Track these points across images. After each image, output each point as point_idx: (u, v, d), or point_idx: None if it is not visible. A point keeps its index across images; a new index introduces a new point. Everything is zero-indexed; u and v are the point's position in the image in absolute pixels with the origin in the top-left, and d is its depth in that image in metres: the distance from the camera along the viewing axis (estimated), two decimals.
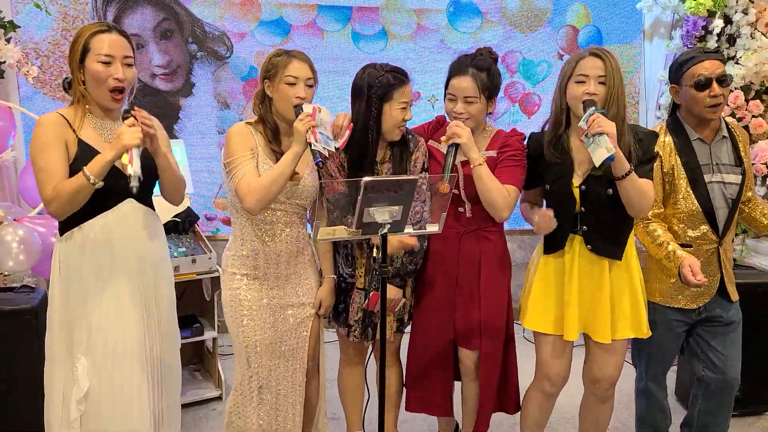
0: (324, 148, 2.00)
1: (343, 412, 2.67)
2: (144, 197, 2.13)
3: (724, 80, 2.27)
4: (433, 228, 1.89)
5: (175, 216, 3.33)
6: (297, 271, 2.30)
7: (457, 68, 2.27)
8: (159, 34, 3.73)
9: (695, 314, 2.42)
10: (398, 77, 2.23)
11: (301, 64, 2.14)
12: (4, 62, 2.89)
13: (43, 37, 3.55)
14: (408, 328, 2.51)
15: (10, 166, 3.07)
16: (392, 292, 2.33)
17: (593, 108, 2.05)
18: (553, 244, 2.30)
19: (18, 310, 2.55)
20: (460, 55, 2.34)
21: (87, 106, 2.01)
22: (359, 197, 1.70)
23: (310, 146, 2.00)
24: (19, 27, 3.06)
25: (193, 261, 3.10)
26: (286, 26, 3.89)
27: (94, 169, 1.88)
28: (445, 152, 2.22)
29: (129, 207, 2.08)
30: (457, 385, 2.65)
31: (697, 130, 2.35)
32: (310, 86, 2.15)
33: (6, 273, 2.64)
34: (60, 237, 2.07)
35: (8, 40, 2.99)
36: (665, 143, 2.36)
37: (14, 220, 2.68)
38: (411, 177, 1.84)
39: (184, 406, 3.21)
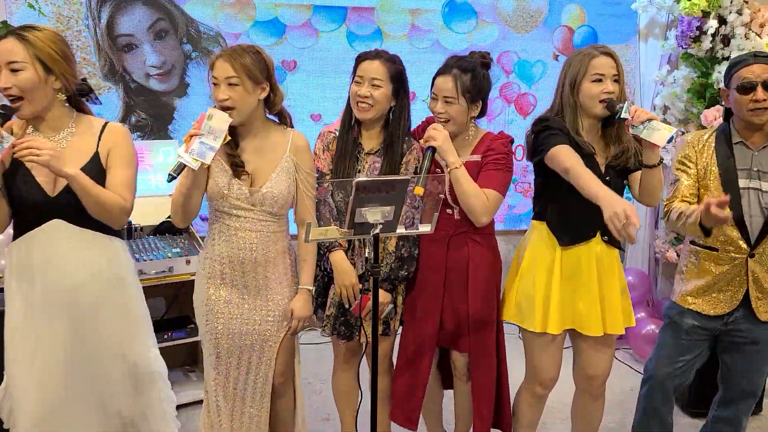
0: (195, 159, 1.88)
1: (338, 413, 2.67)
2: (80, 218, 1.93)
3: None
4: (425, 228, 1.89)
5: (169, 216, 3.32)
6: (267, 284, 2.21)
7: (442, 68, 2.29)
8: (153, 34, 3.72)
9: (721, 323, 2.35)
10: (363, 54, 2.29)
11: (221, 63, 2.01)
12: None
13: None
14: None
15: None
16: (381, 295, 2.30)
17: (626, 101, 2.12)
18: (580, 235, 2.26)
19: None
20: (451, 55, 2.34)
21: None
22: (351, 197, 1.70)
23: (178, 157, 1.91)
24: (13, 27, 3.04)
25: (188, 262, 3.09)
26: (281, 26, 3.88)
27: None
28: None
29: (53, 228, 1.92)
30: (448, 393, 2.65)
31: (743, 134, 2.31)
32: (235, 84, 2.01)
33: None
34: None
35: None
36: (706, 142, 2.34)
37: None
38: (403, 177, 1.85)
39: (178, 407, 3.21)
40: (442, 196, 2.24)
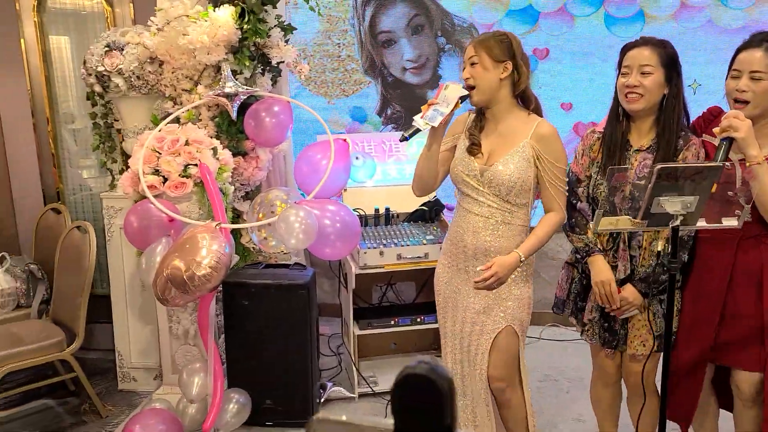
0: (426, 123, 2.06)
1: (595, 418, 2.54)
2: None
3: None
4: (731, 222, 1.68)
5: (423, 204, 3.45)
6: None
7: (748, 42, 2.03)
8: (411, 29, 3.88)
9: None
10: (629, 43, 2.15)
11: (468, 48, 2.17)
12: (283, 62, 3.21)
13: (309, 38, 3.89)
14: None
15: (285, 155, 3.43)
16: (631, 293, 2.13)
17: None
18: None
19: (294, 285, 2.82)
20: (755, 32, 2.07)
21: None
22: (650, 185, 1.57)
23: (413, 122, 2.09)
24: (296, 29, 3.37)
25: (441, 249, 3.16)
26: (534, 14, 3.80)
27: None
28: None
29: None
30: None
31: None
32: (475, 63, 2.12)
33: (285, 251, 2.94)
34: None
35: (286, 42, 3.31)
36: None
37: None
38: (715, 164, 1.65)
39: None
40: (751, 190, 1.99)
